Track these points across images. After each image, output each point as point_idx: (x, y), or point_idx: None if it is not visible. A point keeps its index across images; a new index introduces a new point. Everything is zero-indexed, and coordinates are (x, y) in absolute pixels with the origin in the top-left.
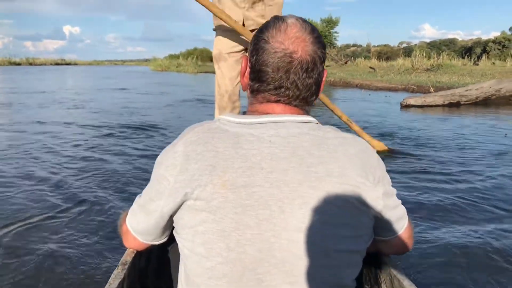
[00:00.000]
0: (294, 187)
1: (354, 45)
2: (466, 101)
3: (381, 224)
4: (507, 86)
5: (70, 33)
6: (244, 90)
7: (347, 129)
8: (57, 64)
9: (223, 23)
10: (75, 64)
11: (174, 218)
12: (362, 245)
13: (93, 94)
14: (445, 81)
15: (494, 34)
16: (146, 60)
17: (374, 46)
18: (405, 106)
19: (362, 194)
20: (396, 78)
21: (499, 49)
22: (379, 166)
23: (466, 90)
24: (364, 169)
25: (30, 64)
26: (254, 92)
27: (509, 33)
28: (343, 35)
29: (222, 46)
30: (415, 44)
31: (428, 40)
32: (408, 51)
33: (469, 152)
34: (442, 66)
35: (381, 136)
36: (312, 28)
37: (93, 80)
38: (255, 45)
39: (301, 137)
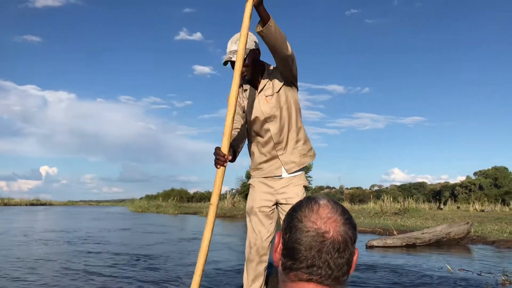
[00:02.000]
0: None
1: (327, 187)
2: (421, 242)
3: None
4: (456, 230)
5: (46, 173)
6: (276, 265)
7: None
8: (32, 204)
9: (258, 177)
10: (50, 204)
11: None
12: None
13: (105, 235)
14: (409, 224)
15: (460, 178)
16: (122, 201)
17: (347, 189)
18: (369, 247)
19: None
20: (366, 221)
21: (466, 193)
22: None
23: (422, 233)
24: None
25: (5, 204)
26: (286, 269)
27: (473, 177)
28: (316, 178)
29: (255, 201)
30: (387, 187)
31: (398, 183)
32: (380, 194)
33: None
34: (408, 210)
35: None
36: (343, 210)
37: (86, 221)
38: (289, 223)
39: None
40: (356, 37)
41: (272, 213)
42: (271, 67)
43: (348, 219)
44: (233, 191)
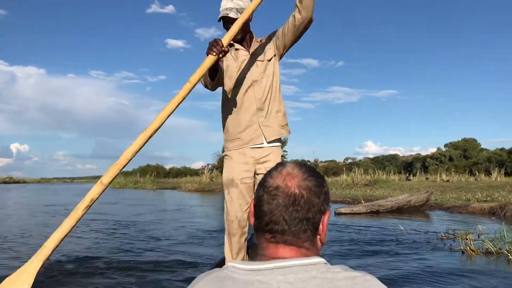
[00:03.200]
0: None
1: (302, 160)
2: (384, 209)
3: None
4: (416, 198)
5: (17, 150)
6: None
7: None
8: (5, 182)
9: (235, 148)
10: (24, 182)
11: None
12: None
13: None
14: (377, 194)
15: (431, 150)
16: (96, 177)
17: (322, 162)
18: (338, 214)
19: None
20: (337, 192)
21: (436, 164)
22: None
23: (385, 201)
24: None
25: None
26: (256, 231)
27: (444, 149)
28: (291, 152)
29: (234, 172)
30: (360, 160)
31: (371, 156)
32: (353, 166)
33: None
34: (378, 181)
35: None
36: (308, 168)
37: (73, 197)
38: (258, 186)
39: (310, 282)
40: (330, 10)
41: (251, 184)
42: (263, 38)
43: (311, 176)
44: (210, 166)
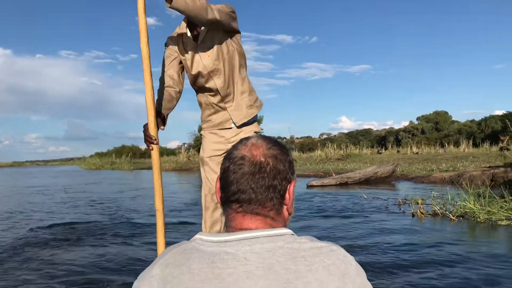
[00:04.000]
0: None
1: (278, 137)
2: (352, 181)
3: None
4: (382, 170)
5: None
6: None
7: (324, 235)
8: None
9: (207, 128)
10: None
11: None
12: None
13: (86, 188)
14: (349, 168)
15: (404, 123)
16: (70, 159)
17: (298, 138)
18: (310, 186)
19: None
20: (311, 167)
21: (409, 137)
22: (359, 274)
23: (354, 174)
24: (342, 279)
25: None
26: (223, 204)
27: (416, 122)
28: (267, 129)
29: (204, 151)
30: (335, 135)
31: (346, 131)
32: (328, 142)
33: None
34: (350, 155)
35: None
36: (272, 139)
37: (53, 179)
38: (223, 159)
39: (277, 252)
40: None
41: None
42: None
43: (275, 145)
44: (186, 145)
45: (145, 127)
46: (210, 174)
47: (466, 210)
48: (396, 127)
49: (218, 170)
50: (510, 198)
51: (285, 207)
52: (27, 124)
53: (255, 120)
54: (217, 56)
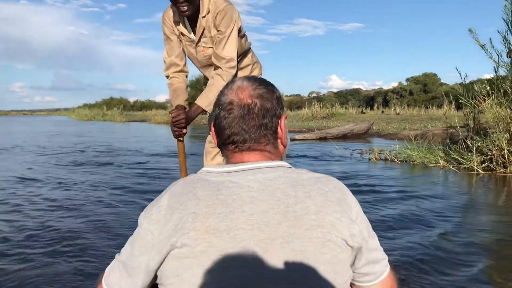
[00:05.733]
0: (274, 227)
1: None
2: (330, 136)
3: (359, 266)
4: (358, 127)
5: None
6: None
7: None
8: None
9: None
10: None
11: (159, 272)
12: (341, 283)
13: (98, 135)
14: (332, 125)
15: (393, 84)
16: (57, 110)
17: (287, 96)
18: (292, 140)
19: (340, 230)
20: (297, 124)
21: (397, 98)
22: (355, 205)
23: (332, 130)
24: (340, 205)
25: None
26: (220, 147)
27: (405, 83)
28: None
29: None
30: (324, 94)
31: (335, 90)
32: (318, 100)
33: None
34: (335, 114)
35: None
36: (257, 79)
37: (50, 127)
38: (213, 107)
39: (277, 180)
40: None
41: None
42: (209, 9)
43: (261, 84)
44: None
45: (176, 117)
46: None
47: (407, 156)
48: (386, 87)
49: None
50: (439, 148)
51: (279, 140)
52: (12, 72)
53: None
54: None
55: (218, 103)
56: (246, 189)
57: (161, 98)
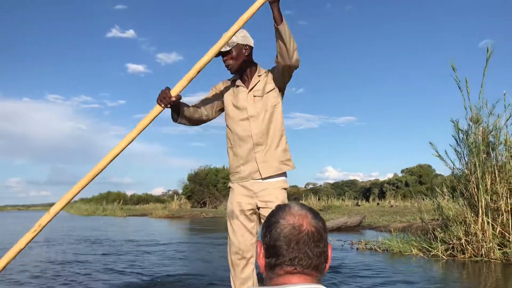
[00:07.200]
0: None
1: None
2: None
3: None
4: (351, 220)
5: None
6: (261, 272)
7: None
8: None
9: (236, 181)
10: None
11: None
12: None
13: (109, 229)
14: (328, 218)
15: (389, 175)
16: (52, 205)
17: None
18: None
19: None
20: None
21: (393, 189)
22: None
23: (328, 223)
24: None
25: None
26: (272, 267)
27: (400, 174)
28: None
29: (234, 204)
30: (320, 185)
31: (332, 181)
32: (314, 192)
33: None
34: (331, 207)
35: None
36: (310, 208)
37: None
38: (268, 227)
39: None
40: None
41: (252, 215)
42: (265, 70)
43: (316, 214)
44: (170, 192)
45: (167, 88)
46: (240, 230)
47: (387, 246)
48: (382, 178)
49: (248, 225)
50: (414, 238)
51: (327, 265)
52: (9, 167)
53: (283, 175)
54: (263, 106)
55: (276, 225)
56: None
57: (156, 191)
